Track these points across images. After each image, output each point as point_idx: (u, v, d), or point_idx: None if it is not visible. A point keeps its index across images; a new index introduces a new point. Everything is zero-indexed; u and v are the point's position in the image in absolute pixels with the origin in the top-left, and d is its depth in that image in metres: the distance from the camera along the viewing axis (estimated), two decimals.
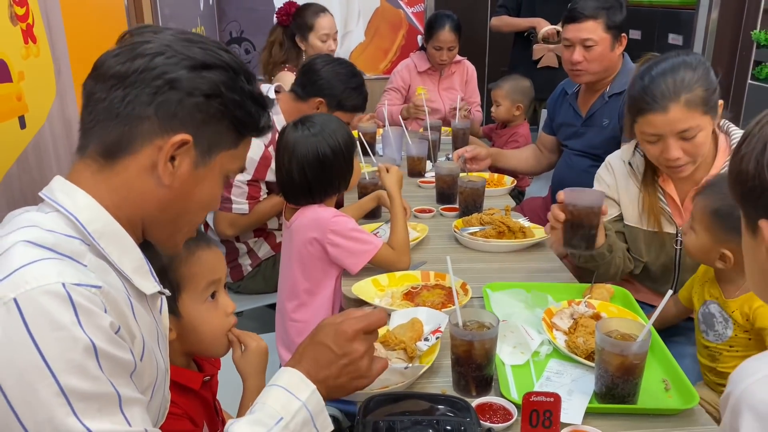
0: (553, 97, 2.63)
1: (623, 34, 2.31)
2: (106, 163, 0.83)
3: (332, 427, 0.96)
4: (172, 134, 0.82)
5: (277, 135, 2.22)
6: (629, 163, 1.74)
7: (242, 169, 0.97)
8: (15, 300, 0.68)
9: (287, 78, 2.98)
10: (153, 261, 1.05)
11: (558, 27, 3.43)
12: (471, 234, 1.88)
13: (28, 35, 1.30)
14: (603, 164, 1.82)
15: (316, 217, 1.63)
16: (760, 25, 3.50)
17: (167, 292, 0.97)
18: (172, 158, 0.83)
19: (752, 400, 0.67)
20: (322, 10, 3.07)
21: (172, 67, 0.82)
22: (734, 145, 1.59)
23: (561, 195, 1.50)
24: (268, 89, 2.31)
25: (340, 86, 2.25)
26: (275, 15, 3.13)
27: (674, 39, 4.08)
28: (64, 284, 0.70)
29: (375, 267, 1.66)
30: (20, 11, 1.26)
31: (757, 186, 0.74)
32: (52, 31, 1.42)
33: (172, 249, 0.98)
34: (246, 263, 2.37)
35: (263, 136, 0.95)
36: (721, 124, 1.65)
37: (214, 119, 0.85)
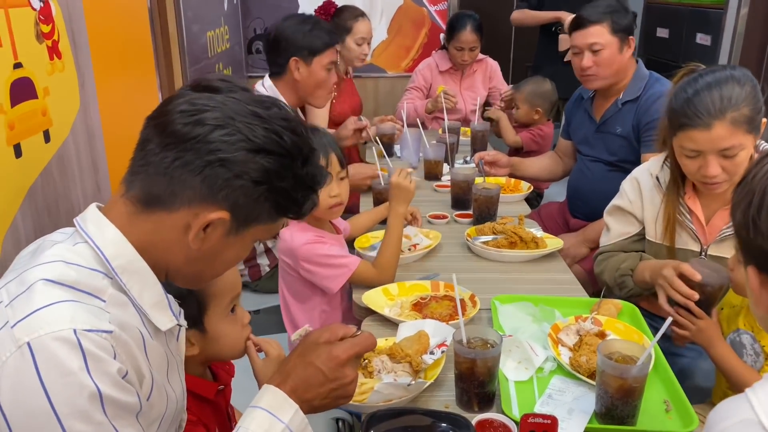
0: (571, 102, 2.65)
1: (630, 37, 2.31)
2: (143, 209, 0.86)
3: None
4: (211, 207, 0.84)
5: None
6: (657, 178, 1.70)
7: (277, 235, 0.98)
8: (29, 344, 0.73)
9: None
10: None
11: None
12: (483, 243, 1.90)
13: (54, 51, 1.35)
14: (629, 177, 1.79)
15: (289, 244, 1.65)
16: None
17: (184, 323, 1.01)
18: (206, 226, 0.85)
19: None
20: (362, 14, 3.13)
21: (229, 146, 0.82)
22: None
23: (696, 275, 1.39)
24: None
25: (298, 35, 2.24)
26: (314, 12, 3.17)
27: (702, 39, 4.01)
28: (75, 330, 0.74)
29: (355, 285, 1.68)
30: (46, 29, 1.31)
31: (744, 236, 0.75)
32: (76, 43, 1.47)
33: (193, 288, 1.02)
34: (264, 263, 2.42)
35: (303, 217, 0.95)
36: (756, 143, 1.62)
37: (257, 202, 0.86)
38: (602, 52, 2.28)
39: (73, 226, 0.89)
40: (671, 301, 1.47)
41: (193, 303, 1.12)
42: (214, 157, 0.82)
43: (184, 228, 0.85)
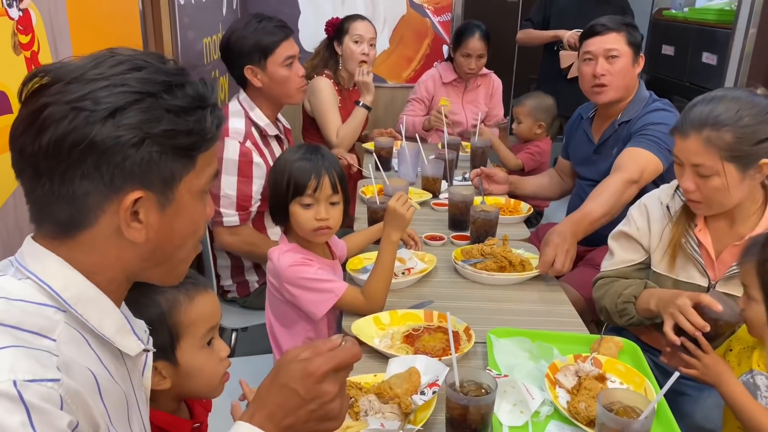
0: (570, 122, 2.61)
1: (641, 55, 2.29)
2: (67, 238, 0.78)
3: None
4: (121, 195, 0.75)
5: (250, 128, 2.16)
6: (667, 207, 1.64)
7: (216, 172, 0.87)
8: None
9: (320, 83, 3.00)
10: (150, 310, 1.03)
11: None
12: (472, 266, 1.82)
13: (33, 63, 1.27)
14: (637, 203, 1.73)
15: (275, 265, 1.59)
16: None
17: (152, 348, 0.94)
18: (136, 213, 0.77)
19: None
20: (361, 17, 3.10)
21: (82, 129, 0.71)
22: None
23: (717, 305, 1.32)
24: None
25: (244, 42, 2.15)
26: (324, 27, 3.16)
27: (708, 58, 3.94)
28: (15, 382, 0.67)
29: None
30: (25, 39, 1.24)
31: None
32: (59, 53, 1.40)
33: (175, 281, 0.93)
34: (253, 279, 2.34)
35: (218, 138, 0.83)
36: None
37: (154, 161, 0.75)
38: (619, 60, 2.24)
39: None
40: (677, 330, 1.40)
41: (164, 331, 1.05)
42: (78, 153, 0.71)
43: (116, 232, 0.77)
